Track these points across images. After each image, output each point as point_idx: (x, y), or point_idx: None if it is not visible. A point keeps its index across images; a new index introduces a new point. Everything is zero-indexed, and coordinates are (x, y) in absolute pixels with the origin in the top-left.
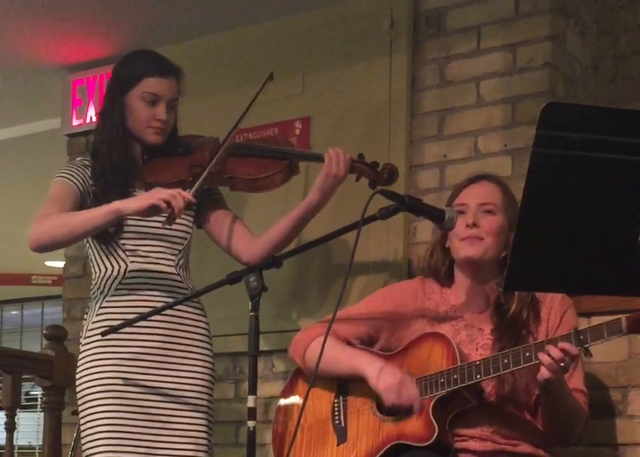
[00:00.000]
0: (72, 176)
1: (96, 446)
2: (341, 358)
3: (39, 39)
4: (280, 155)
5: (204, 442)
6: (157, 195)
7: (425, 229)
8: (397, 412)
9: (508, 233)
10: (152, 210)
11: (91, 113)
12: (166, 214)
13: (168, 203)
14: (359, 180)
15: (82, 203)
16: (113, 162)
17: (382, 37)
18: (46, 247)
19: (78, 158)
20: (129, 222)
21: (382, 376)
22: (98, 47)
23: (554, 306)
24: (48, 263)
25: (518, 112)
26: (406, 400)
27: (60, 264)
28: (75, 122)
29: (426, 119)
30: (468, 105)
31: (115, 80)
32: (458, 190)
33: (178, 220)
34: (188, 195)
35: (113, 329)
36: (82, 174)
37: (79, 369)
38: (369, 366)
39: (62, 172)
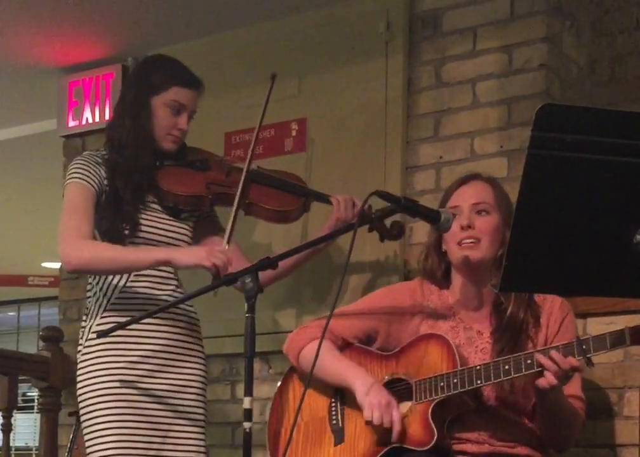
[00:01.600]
0: (88, 176)
1: (106, 449)
2: (334, 368)
3: (35, 40)
4: (298, 192)
5: (203, 450)
6: (213, 259)
7: (421, 230)
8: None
9: (504, 230)
10: (200, 268)
11: (87, 115)
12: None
13: (217, 269)
14: (371, 232)
15: (97, 201)
16: (141, 163)
17: (378, 39)
18: (84, 272)
19: (86, 153)
20: (142, 228)
21: (370, 393)
22: (94, 49)
23: (554, 312)
24: (45, 264)
25: (514, 113)
26: (386, 423)
27: (57, 265)
28: (71, 124)
29: (422, 120)
30: (464, 106)
31: (144, 82)
32: (450, 192)
33: (179, 229)
34: (231, 260)
35: (107, 332)
36: (97, 173)
37: (82, 371)
38: (359, 381)
39: (76, 173)
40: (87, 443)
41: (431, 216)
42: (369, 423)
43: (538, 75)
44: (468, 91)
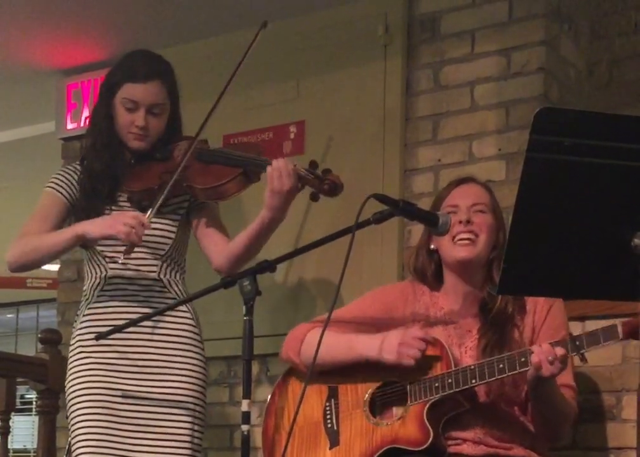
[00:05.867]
0: (60, 185)
1: (78, 448)
2: (340, 345)
3: (34, 43)
4: (235, 163)
5: (187, 444)
6: (117, 226)
7: (419, 233)
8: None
9: (497, 233)
10: (112, 238)
11: (86, 117)
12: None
13: (127, 237)
14: (301, 190)
15: (72, 209)
16: (96, 169)
17: (376, 42)
18: (20, 270)
19: (75, 163)
20: None
21: (383, 349)
22: (92, 51)
23: (540, 298)
24: (43, 267)
25: (512, 117)
26: (417, 354)
27: (55, 267)
28: (69, 126)
29: (420, 123)
30: (462, 109)
31: (104, 84)
32: (447, 191)
33: (155, 225)
34: (146, 222)
35: (105, 334)
36: (69, 181)
37: (66, 376)
38: (369, 347)
39: (51, 182)
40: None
41: (429, 219)
42: (413, 365)
43: (536, 79)
44: (466, 94)
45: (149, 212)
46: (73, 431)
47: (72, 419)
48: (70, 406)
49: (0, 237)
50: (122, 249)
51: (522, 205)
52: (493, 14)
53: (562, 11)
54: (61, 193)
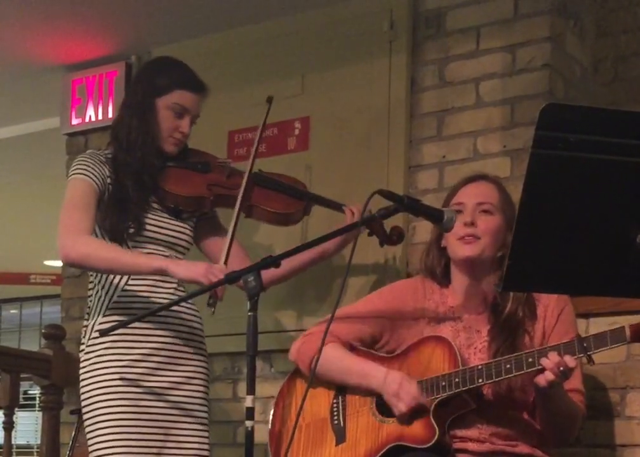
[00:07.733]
0: (90, 173)
1: (107, 447)
2: (348, 370)
3: (38, 38)
4: (301, 196)
5: (206, 447)
6: (211, 276)
7: (424, 230)
8: (405, 418)
9: (506, 232)
10: (194, 283)
11: (90, 113)
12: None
13: (213, 289)
14: (371, 236)
15: (99, 200)
16: (149, 164)
17: (382, 38)
18: (79, 267)
19: (90, 151)
20: (147, 227)
21: (386, 383)
22: (97, 47)
23: (551, 304)
24: (47, 262)
25: (517, 113)
26: (408, 403)
27: (59, 263)
28: (74, 121)
29: (425, 119)
30: (467, 105)
31: (148, 83)
32: (455, 189)
33: (182, 229)
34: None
35: (109, 330)
36: (100, 171)
37: (84, 370)
38: (374, 377)
39: (80, 169)
40: (89, 442)
41: (434, 215)
42: (401, 417)
43: (542, 75)
44: (471, 91)
45: (222, 262)
46: (99, 423)
47: (97, 413)
48: (94, 402)
49: (6, 231)
50: (152, 247)
51: (527, 202)
52: (498, 11)
53: (567, 7)
54: (93, 180)
